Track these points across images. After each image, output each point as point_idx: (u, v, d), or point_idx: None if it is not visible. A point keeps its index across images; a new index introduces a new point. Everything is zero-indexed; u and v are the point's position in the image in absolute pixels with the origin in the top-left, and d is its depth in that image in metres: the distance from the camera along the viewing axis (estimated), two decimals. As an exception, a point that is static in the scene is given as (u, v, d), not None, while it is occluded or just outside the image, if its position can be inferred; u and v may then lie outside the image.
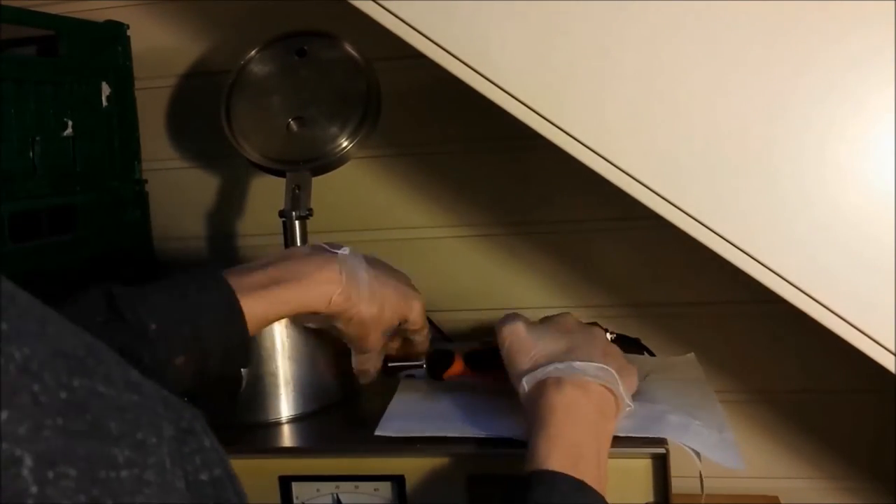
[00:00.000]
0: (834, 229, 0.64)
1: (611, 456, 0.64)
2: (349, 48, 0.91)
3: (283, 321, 0.73)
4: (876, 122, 0.63)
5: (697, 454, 0.64)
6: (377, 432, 0.67)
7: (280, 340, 0.73)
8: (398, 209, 1.08)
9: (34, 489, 0.25)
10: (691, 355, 0.86)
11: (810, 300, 0.64)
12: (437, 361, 0.75)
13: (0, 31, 0.91)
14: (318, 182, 0.88)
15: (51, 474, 0.26)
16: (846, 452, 1.03)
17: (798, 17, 0.63)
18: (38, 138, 0.90)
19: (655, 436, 0.64)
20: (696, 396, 0.74)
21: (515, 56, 0.66)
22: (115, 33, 1.07)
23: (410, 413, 0.71)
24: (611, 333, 0.87)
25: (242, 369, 0.70)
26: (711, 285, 1.02)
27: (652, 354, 0.93)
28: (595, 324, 0.87)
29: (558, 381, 0.60)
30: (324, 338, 0.76)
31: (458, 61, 0.67)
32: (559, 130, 0.66)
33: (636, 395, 0.70)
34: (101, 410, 0.29)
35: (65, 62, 0.98)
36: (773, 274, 0.65)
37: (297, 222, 0.85)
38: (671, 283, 1.04)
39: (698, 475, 0.64)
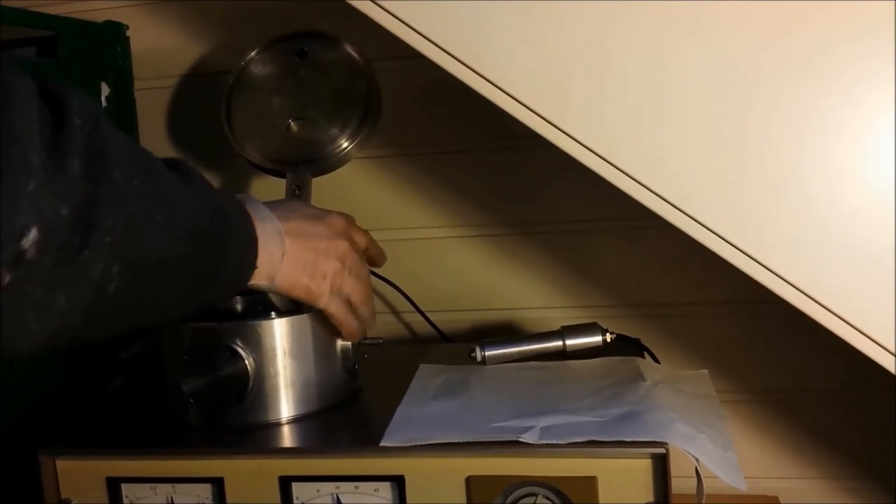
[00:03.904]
0: (834, 229, 0.64)
1: (611, 456, 0.64)
2: (349, 48, 0.91)
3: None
4: (875, 122, 0.63)
5: (696, 459, 0.64)
6: (383, 443, 0.67)
7: (281, 341, 0.73)
8: (398, 209, 1.08)
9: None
10: (704, 372, 0.86)
11: (810, 300, 0.64)
12: None
13: (0, 32, 0.91)
14: (318, 182, 0.89)
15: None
16: (846, 452, 1.03)
17: (798, 16, 0.63)
18: (38, 139, 0.89)
19: (660, 440, 0.64)
20: (705, 412, 0.74)
21: (515, 56, 0.66)
22: (114, 34, 1.07)
23: (415, 421, 0.71)
24: (611, 334, 0.87)
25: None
26: (711, 285, 1.02)
27: (654, 357, 0.93)
28: (594, 324, 0.88)
29: None
30: (325, 338, 0.76)
31: (457, 62, 0.67)
32: (558, 131, 0.66)
33: (646, 401, 0.71)
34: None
35: (64, 63, 0.98)
36: (772, 274, 0.65)
37: (297, 223, 0.84)
38: (671, 283, 1.04)
39: (695, 473, 0.64)
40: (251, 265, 0.61)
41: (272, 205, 0.66)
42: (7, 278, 0.37)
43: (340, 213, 0.74)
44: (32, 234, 0.37)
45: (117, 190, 0.43)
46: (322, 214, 0.72)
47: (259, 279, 0.63)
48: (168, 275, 0.50)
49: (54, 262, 0.39)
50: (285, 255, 0.64)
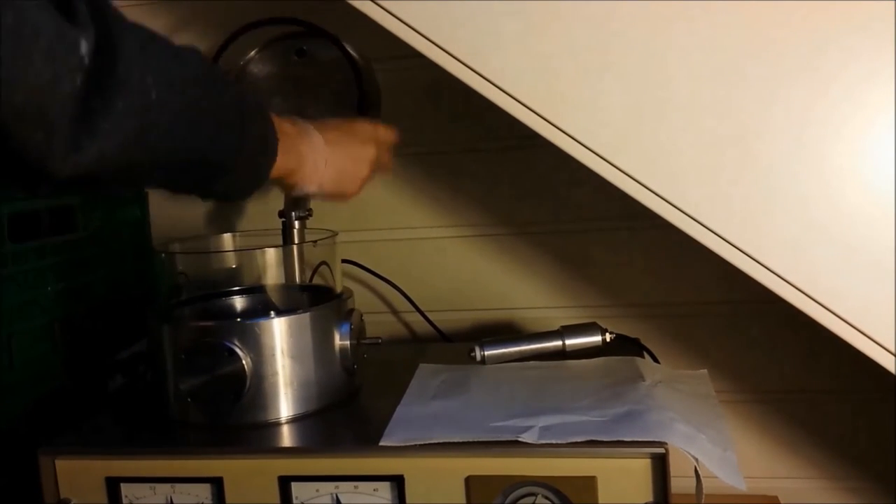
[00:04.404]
0: (833, 229, 0.64)
1: (611, 456, 0.65)
2: (349, 48, 0.91)
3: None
4: (875, 122, 0.63)
5: (696, 459, 0.64)
6: (382, 442, 0.67)
7: (280, 340, 0.73)
8: (398, 209, 1.08)
9: None
10: (704, 372, 0.86)
11: (810, 300, 0.64)
12: None
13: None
14: (317, 182, 0.88)
15: None
16: (846, 452, 1.03)
17: (797, 16, 0.63)
18: (37, 138, 0.89)
19: (659, 440, 0.64)
20: (705, 412, 0.74)
21: (514, 56, 0.66)
22: (114, 33, 1.06)
23: (414, 420, 0.71)
24: (610, 334, 0.87)
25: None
26: (711, 285, 1.02)
27: (654, 357, 0.93)
28: (594, 323, 0.88)
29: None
30: (323, 338, 0.76)
31: (456, 61, 0.67)
32: (558, 131, 0.66)
33: (646, 401, 0.71)
34: None
35: (64, 62, 0.97)
36: (772, 274, 0.65)
37: (296, 222, 0.85)
38: (671, 283, 1.04)
39: (694, 473, 0.64)
40: (272, 131, 0.66)
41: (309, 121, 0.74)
42: (79, 79, 0.46)
43: (365, 121, 0.81)
44: (83, 45, 0.46)
45: (122, 23, 0.50)
46: (351, 123, 0.79)
47: (308, 185, 0.72)
48: (194, 94, 0.56)
49: (99, 72, 0.47)
50: (328, 163, 0.73)
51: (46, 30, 0.45)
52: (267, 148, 0.66)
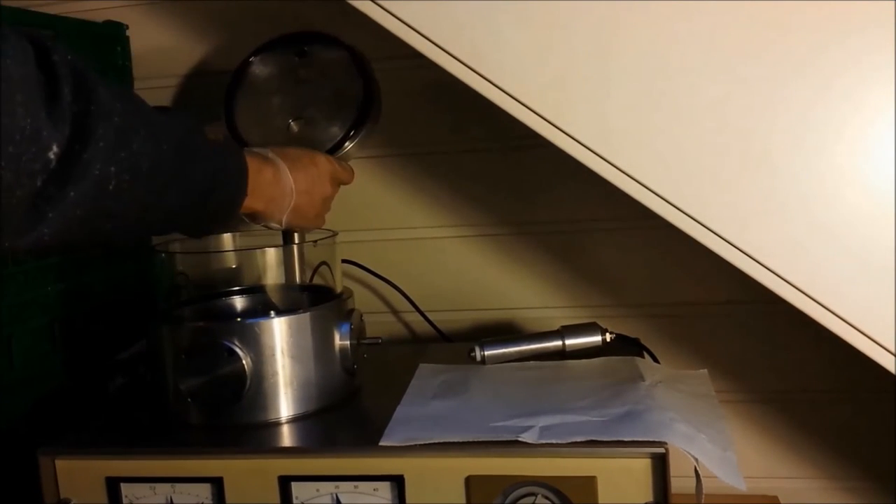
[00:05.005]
0: (834, 229, 0.64)
1: (611, 456, 0.65)
2: (349, 48, 0.91)
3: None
4: (875, 122, 0.63)
5: (696, 459, 0.64)
6: (382, 442, 0.67)
7: (280, 340, 0.73)
8: (398, 209, 1.08)
9: None
10: (704, 371, 0.86)
11: (810, 300, 0.64)
12: None
13: None
14: (317, 182, 0.88)
15: None
16: (846, 452, 1.03)
17: (798, 16, 0.63)
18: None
19: (659, 440, 0.64)
20: (705, 412, 0.74)
21: (514, 56, 0.66)
22: (114, 34, 1.06)
23: (414, 420, 0.71)
24: (610, 334, 0.87)
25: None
26: (711, 285, 1.02)
27: (654, 357, 0.93)
28: (594, 323, 0.88)
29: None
30: (323, 338, 0.76)
31: (457, 62, 0.67)
32: (558, 131, 0.66)
33: (646, 401, 0.71)
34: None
35: (65, 62, 0.97)
36: (772, 274, 0.65)
37: (296, 222, 0.85)
38: (671, 283, 1.04)
39: (694, 473, 0.64)
40: (243, 191, 0.69)
41: (283, 155, 0.76)
42: (39, 180, 0.48)
43: (325, 156, 0.82)
44: (54, 148, 0.48)
45: (104, 105, 0.51)
46: (314, 158, 0.80)
47: (271, 221, 0.76)
48: (161, 179, 0.57)
49: (63, 166, 0.49)
50: (292, 207, 0.76)
51: (19, 134, 0.46)
52: (231, 208, 0.68)
